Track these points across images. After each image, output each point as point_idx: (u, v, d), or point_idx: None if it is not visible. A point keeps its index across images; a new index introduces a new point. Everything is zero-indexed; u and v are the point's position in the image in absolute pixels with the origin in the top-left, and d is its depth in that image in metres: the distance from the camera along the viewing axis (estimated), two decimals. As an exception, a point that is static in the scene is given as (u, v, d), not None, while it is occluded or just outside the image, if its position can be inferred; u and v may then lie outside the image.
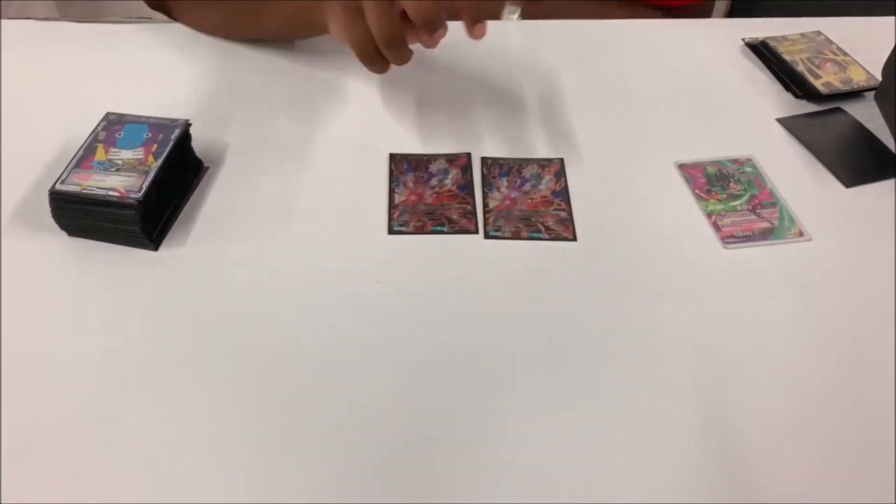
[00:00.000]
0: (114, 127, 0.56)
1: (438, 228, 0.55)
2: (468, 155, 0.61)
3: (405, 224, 0.55)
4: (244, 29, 0.71)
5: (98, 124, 0.56)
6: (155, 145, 0.55)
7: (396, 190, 0.58)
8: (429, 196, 0.58)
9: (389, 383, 0.46)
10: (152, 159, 0.54)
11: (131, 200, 0.51)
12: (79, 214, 0.53)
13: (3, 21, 0.75)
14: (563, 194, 0.59)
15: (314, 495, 0.41)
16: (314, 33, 0.61)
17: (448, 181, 0.59)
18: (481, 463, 0.43)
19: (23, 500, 0.41)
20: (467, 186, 0.59)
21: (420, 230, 0.55)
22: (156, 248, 0.54)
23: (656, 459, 0.43)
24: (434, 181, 0.59)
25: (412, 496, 0.42)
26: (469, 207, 0.57)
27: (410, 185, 0.58)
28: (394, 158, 0.61)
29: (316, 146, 0.62)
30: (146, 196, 0.51)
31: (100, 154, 0.54)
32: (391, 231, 0.55)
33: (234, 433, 0.44)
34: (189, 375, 0.47)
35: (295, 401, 0.46)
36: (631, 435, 0.44)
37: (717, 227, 0.56)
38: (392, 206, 0.57)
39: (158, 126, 0.56)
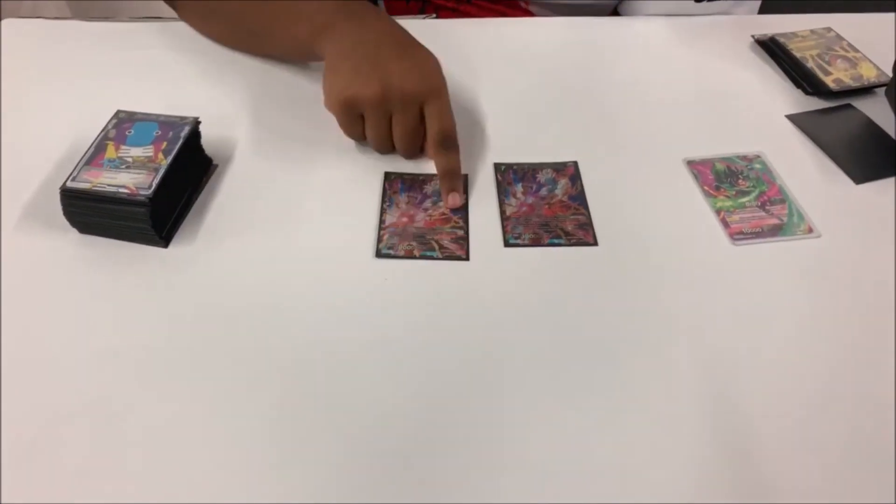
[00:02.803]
0: (124, 125, 0.56)
1: (428, 253, 0.54)
2: (465, 176, 0.59)
3: (393, 248, 0.54)
4: (245, 48, 0.71)
5: (108, 122, 0.57)
6: (165, 143, 0.55)
7: (388, 211, 0.57)
8: (420, 219, 0.56)
9: (404, 382, 0.46)
10: (162, 157, 0.54)
11: (141, 198, 0.51)
12: (90, 212, 0.53)
13: (15, 20, 0.76)
14: (581, 198, 0.58)
15: (320, 495, 0.41)
16: (319, 60, 0.61)
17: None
18: (496, 461, 0.43)
19: (28, 496, 0.41)
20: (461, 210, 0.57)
21: (410, 255, 0.54)
22: (166, 245, 0.54)
23: (667, 455, 0.43)
24: (428, 202, 0.58)
25: (424, 495, 0.42)
26: (462, 233, 0.55)
27: (404, 206, 0.57)
28: (388, 176, 0.60)
29: (326, 145, 0.62)
30: (156, 193, 0.52)
31: (110, 152, 0.54)
32: (378, 255, 0.54)
33: (240, 431, 0.44)
34: (196, 373, 0.47)
35: (303, 399, 0.46)
36: (643, 431, 0.44)
37: (725, 224, 0.56)
38: (382, 226, 0.56)
39: (168, 124, 0.56)
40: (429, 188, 0.59)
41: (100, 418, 0.44)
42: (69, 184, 0.52)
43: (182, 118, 0.57)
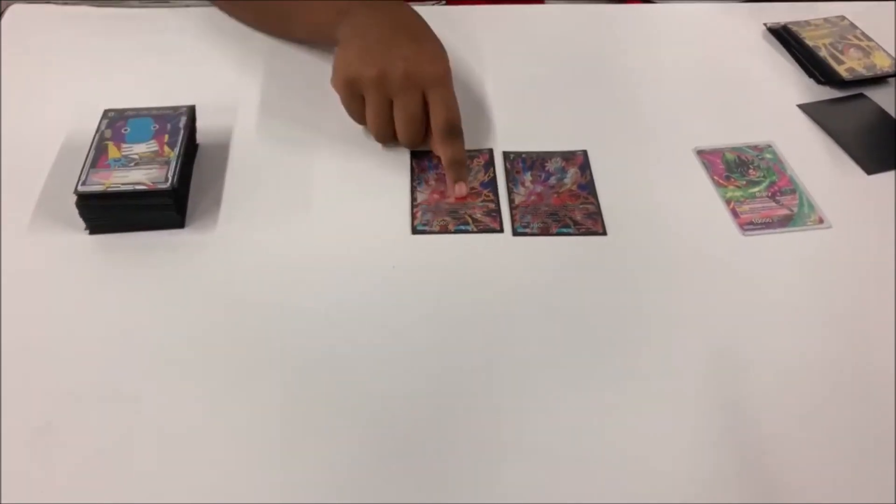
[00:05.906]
0: (117, 123, 0.56)
1: (462, 227, 0.55)
2: (490, 151, 0.61)
3: (428, 223, 0.55)
4: (274, 32, 0.72)
5: (99, 122, 0.56)
6: (166, 135, 0.55)
7: (419, 189, 0.58)
8: (451, 195, 0.57)
9: (414, 370, 0.47)
10: (168, 149, 0.54)
11: (165, 188, 0.51)
12: (106, 211, 0.52)
13: (22, 5, 0.75)
14: (590, 187, 0.58)
15: (332, 478, 0.42)
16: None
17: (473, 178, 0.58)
18: (501, 450, 0.43)
19: (42, 476, 0.41)
20: (491, 184, 0.58)
21: (444, 229, 0.55)
22: (182, 225, 0.54)
23: (674, 445, 0.43)
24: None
25: (433, 482, 0.42)
26: (493, 206, 0.56)
27: (433, 183, 0.58)
28: (416, 155, 0.60)
29: (335, 132, 0.62)
30: (179, 183, 0.52)
31: (113, 152, 0.54)
32: (415, 231, 0.54)
33: (251, 414, 0.44)
34: (206, 357, 0.47)
35: (315, 385, 0.46)
36: (650, 421, 0.44)
37: (735, 214, 0.56)
38: (414, 204, 0.56)
39: (163, 116, 0.56)
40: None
41: (112, 400, 0.44)
42: (80, 188, 0.51)
43: (175, 108, 0.57)
